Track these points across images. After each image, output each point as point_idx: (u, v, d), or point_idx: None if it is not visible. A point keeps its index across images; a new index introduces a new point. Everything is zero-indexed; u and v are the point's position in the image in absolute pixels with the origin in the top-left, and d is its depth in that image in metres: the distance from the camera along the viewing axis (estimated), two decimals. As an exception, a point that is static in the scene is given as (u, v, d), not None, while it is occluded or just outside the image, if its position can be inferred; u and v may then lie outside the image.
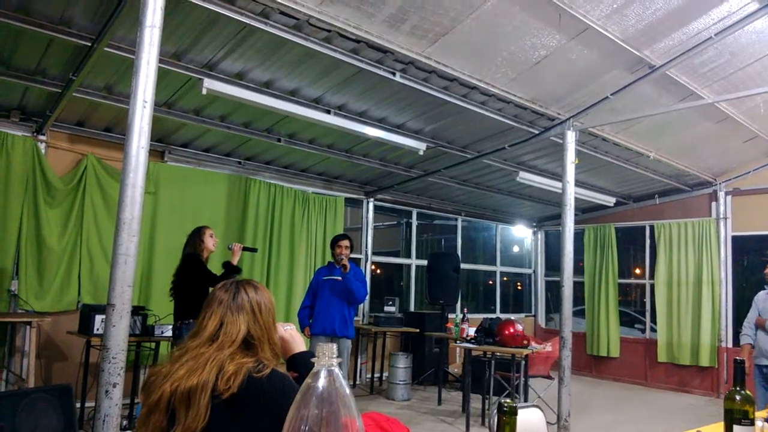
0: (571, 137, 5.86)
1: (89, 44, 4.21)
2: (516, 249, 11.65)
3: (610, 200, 8.82)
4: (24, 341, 5.33)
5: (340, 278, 5.46)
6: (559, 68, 5.14)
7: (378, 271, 9.52)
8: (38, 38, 4.22)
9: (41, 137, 5.65)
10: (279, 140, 6.34)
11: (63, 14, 4.00)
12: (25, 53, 4.51)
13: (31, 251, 5.53)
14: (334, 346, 0.88)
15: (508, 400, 0.93)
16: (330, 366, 0.86)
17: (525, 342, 5.92)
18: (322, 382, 0.85)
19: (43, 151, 5.64)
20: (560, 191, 6.02)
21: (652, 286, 9.31)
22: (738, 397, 1.80)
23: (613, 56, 5.06)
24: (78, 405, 4.91)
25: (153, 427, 1.53)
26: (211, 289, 1.79)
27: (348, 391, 0.87)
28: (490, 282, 10.93)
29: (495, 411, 2.53)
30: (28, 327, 5.14)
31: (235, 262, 4.93)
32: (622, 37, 4.78)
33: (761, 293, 5.47)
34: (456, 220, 10.02)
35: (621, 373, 9.50)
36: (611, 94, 5.58)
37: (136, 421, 4.51)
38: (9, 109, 5.45)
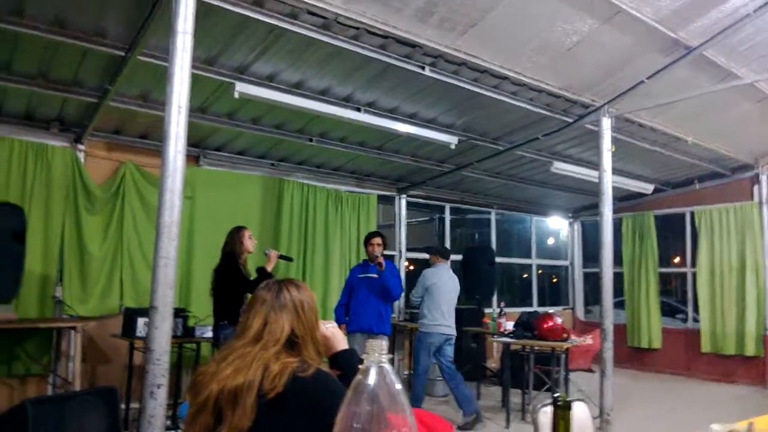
0: (606, 124, 5.73)
1: (123, 53, 4.29)
2: (551, 241, 11.49)
3: (648, 187, 8.61)
4: (69, 345, 5.47)
5: (375, 276, 5.47)
6: (592, 54, 5.04)
7: (412, 267, 9.50)
8: (74, 50, 4.32)
9: (80, 146, 5.77)
10: (311, 140, 6.37)
11: (97, 25, 4.08)
12: (62, 65, 4.61)
13: (74, 258, 5.67)
14: (384, 342, 0.87)
15: (562, 394, 0.90)
16: (380, 362, 0.85)
17: (565, 335, 5.84)
18: (372, 379, 0.85)
19: (82, 160, 5.77)
20: (596, 180, 5.90)
21: (694, 275, 9.07)
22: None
23: (648, 39, 4.93)
24: (123, 406, 5.03)
25: (201, 427, 1.55)
26: (248, 294, 1.80)
27: (399, 387, 0.86)
28: (525, 276, 10.81)
29: (538, 406, 2.50)
30: (73, 332, 5.27)
31: (269, 268, 4.94)
32: (656, 19, 4.65)
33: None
34: (489, 213, 9.93)
35: (663, 365, 9.28)
36: (647, 78, 5.44)
37: (179, 421, 4.57)
38: (48, 120, 5.58)
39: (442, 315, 5.91)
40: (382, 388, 0.85)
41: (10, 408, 4.36)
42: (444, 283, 6.07)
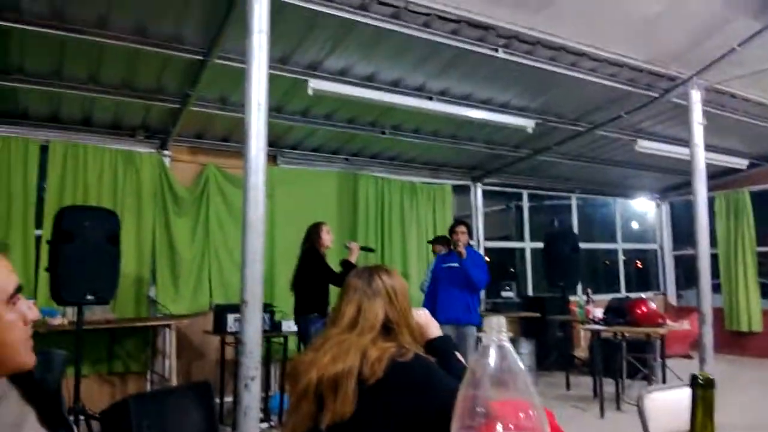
0: (696, 97, 5.39)
1: (201, 58, 4.42)
2: (635, 225, 10.99)
3: (743, 162, 8.05)
4: (165, 343, 5.71)
5: (456, 265, 5.39)
6: (677, 22, 4.74)
7: (491, 256, 9.32)
8: (155, 58, 4.49)
9: (165, 152, 6.02)
10: (383, 132, 6.36)
11: (175, 32, 4.22)
12: (145, 73, 4.80)
13: (166, 259, 5.92)
14: (503, 319, 0.81)
15: (702, 372, 0.82)
16: (500, 341, 0.80)
17: (660, 321, 5.55)
18: (493, 359, 0.79)
19: (167, 164, 6.02)
20: (685, 158, 5.56)
21: (796, 252, 8.46)
22: None
23: (737, 2, 4.59)
24: (217, 401, 5.20)
25: (304, 415, 1.54)
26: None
27: (522, 368, 0.80)
28: (607, 263, 10.39)
29: (643, 392, 2.35)
30: (167, 329, 5.51)
31: (353, 260, 5.03)
32: (747, -21, 4.33)
33: None
34: (570, 198, 9.60)
35: (765, 349, 8.68)
36: (738, 45, 5.07)
37: (278, 413, 4.62)
38: (134, 128, 5.83)
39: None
40: (504, 369, 0.79)
41: (113, 403, 4.60)
42: None
